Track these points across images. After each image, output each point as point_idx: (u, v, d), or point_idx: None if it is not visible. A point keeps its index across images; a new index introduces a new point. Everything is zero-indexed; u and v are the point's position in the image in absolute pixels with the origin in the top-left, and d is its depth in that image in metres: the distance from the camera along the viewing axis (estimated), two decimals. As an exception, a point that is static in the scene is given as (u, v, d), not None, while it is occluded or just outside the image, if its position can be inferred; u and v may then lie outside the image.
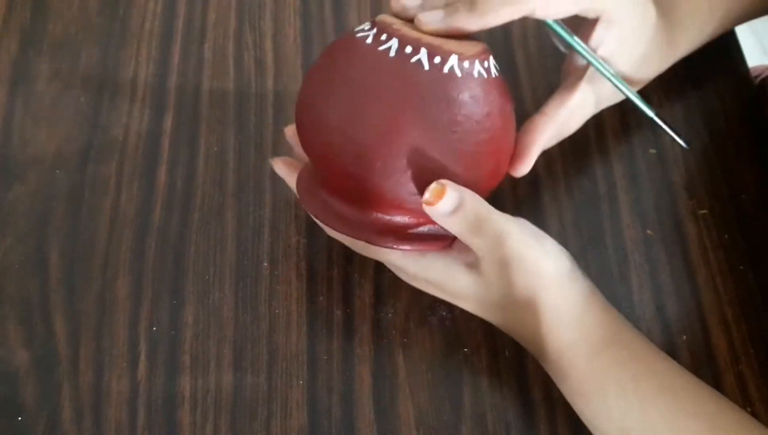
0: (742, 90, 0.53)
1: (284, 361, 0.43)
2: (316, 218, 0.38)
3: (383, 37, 0.33)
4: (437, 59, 0.33)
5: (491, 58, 0.36)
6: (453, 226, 0.36)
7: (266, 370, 0.43)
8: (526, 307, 0.37)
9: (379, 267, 0.45)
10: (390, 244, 0.36)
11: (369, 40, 0.34)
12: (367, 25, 0.35)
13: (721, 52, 0.54)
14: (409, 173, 0.34)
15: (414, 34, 0.34)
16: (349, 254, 0.46)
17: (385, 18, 0.35)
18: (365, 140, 0.33)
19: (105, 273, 0.45)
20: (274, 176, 0.49)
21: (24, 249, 0.46)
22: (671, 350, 0.44)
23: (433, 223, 0.37)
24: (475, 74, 0.34)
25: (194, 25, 0.55)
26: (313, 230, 0.47)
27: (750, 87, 0.53)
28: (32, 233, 0.46)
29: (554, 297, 0.37)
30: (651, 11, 0.43)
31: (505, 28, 0.54)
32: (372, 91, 0.33)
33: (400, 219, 0.36)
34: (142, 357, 0.43)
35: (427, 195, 0.34)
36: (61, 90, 0.52)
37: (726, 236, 0.47)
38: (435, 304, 0.44)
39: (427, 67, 0.32)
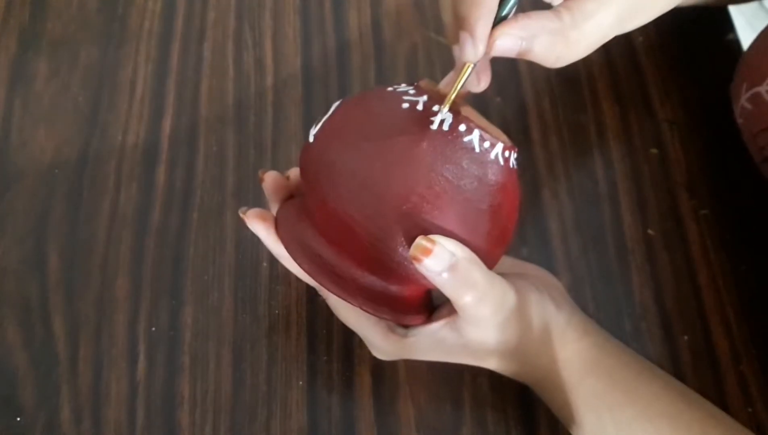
0: (728, 94, 0.53)
1: (284, 362, 0.43)
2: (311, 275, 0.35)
3: (436, 107, 0.32)
4: (486, 144, 0.32)
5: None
6: (444, 287, 0.32)
7: (266, 371, 0.43)
8: (528, 347, 0.37)
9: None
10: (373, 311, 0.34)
11: (420, 107, 0.33)
12: (411, 89, 0.34)
13: (721, 50, 0.54)
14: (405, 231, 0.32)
15: (459, 111, 0.33)
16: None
17: (428, 85, 0.35)
18: (398, 204, 0.31)
19: (104, 273, 0.45)
20: (274, 176, 0.48)
21: (23, 249, 0.46)
22: (672, 350, 0.44)
23: (420, 295, 0.36)
24: (512, 165, 0.34)
25: (193, 24, 0.54)
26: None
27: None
28: (31, 233, 0.46)
29: (530, 333, 0.37)
30: None
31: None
32: (419, 157, 0.31)
33: (395, 288, 0.35)
34: (142, 357, 0.43)
35: (411, 250, 0.31)
36: (59, 89, 0.51)
37: (727, 236, 0.47)
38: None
39: (477, 149, 0.32)
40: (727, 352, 0.44)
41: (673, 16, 0.56)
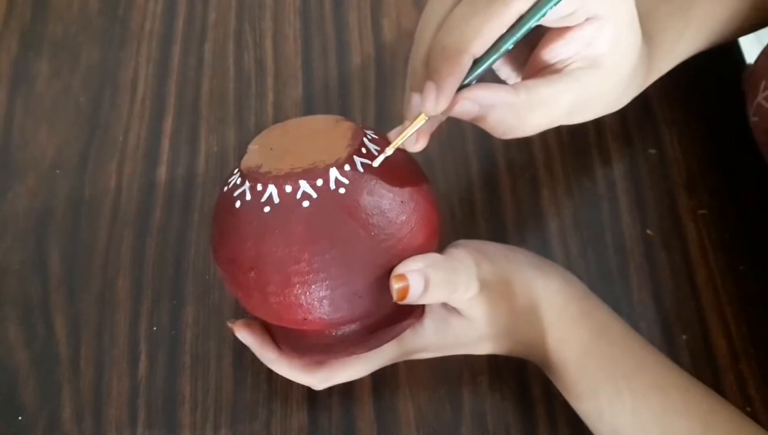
0: (741, 88, 0.53)
1: (284, 361, 0.43)
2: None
3: (259, 187, 0.32)
4: (320, 181, 0.32)
5: (366, 135, 0.34)
6: (433, 299, 0.34)
7: (266, 370, 0.42)
8: (522, 321, 0.38)
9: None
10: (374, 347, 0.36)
11: (248, 197, 0.33)
12: (237, 178, 0.34)
13: (720, 50, 0.54)
14: (359, 294, 0.33)
15: (283, 166, 0.33)
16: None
17: (249, 163, 0.34)
18: (300, 301, 0.32)
19: (105, 273, 0.45)
20: (274, 176, 0.49)
21: (24, 249, 0.46)
22: (671, 350, 0.44)
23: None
24: (361, 169, 0.32)
25: (194, 25, 0.55)
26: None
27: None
28: (32, 233, 0.46)
29: (536, 298, 0.37)
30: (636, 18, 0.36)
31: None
32: (281, 249, 0.32)
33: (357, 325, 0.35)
34: (143, 357, 0.43)
35: (395, 296, 0.32)
36: (61, 90, 0.52)
37: (726, 236, 0.47)
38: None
39: (315, 195, 0.31)
40: (726, 351, 0.44)
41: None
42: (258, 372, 0.43)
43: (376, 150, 0.33)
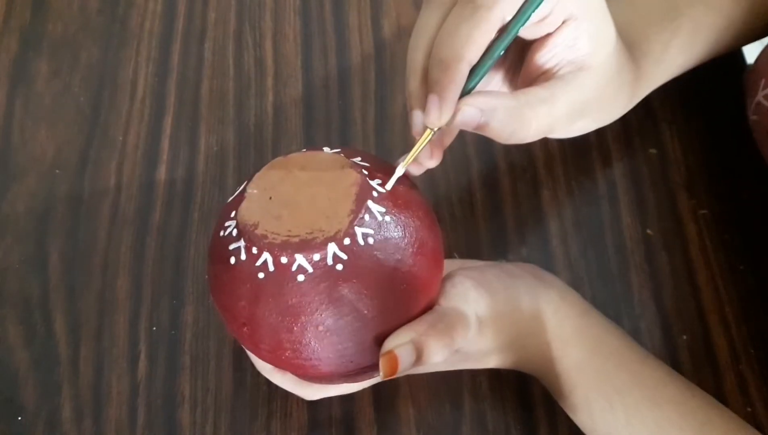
0: (741, 88, 0.53)
1: (284, 361, 0.43)
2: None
3: (254, 250, 0.31)
4: (317, 256, 0.30)
5: (372, 194, 0.32)
6: (431, 362, 0.33)
7: (266, 370, 0.43)
8: (518, 345, 0.38)
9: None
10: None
11: (243, 257, 0.31)
12: (234, 229, 0.32)
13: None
14: (350, 359, 0.32)
15: (280, 230, 0.31)
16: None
17: (246, 216, 0.32)
18: (292, 362, 0.32)
19: (105, 273, 0.45)
20: (274, 176, 0.49)
21: (24, 249, 0.46)
22: (671, 350, 0.44)
23: None
24: (362, 242, 0.31)
25: (194, 24, 0.55)
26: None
27: (750, 87, 0.53)
28: (32, 233, 0.46)
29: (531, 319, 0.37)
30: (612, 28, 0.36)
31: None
32: (274, 317, 0.31)
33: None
34: (142, 357, 0.43)
35: (382, 374, 0.32)
36: (60, 90, 0.52)
37: (726, 236, 0.47)
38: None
39: (311, 270, 0.30)
40: (726, 351, 0.44)
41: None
42: (258, 372, 0.42)
43: (380, 212, 0.32)
